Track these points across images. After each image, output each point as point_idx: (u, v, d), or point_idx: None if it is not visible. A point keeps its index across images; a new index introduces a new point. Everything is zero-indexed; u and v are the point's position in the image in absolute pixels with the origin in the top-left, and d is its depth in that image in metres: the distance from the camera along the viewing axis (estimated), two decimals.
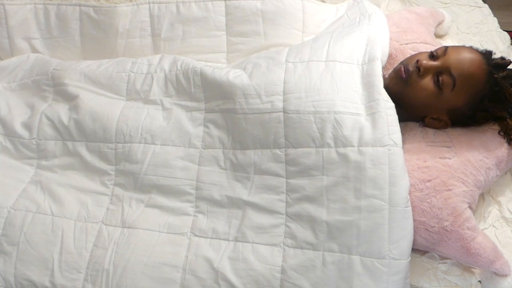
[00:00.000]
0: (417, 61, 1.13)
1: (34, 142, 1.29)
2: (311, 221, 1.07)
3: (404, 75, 1.14)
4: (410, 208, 1.04)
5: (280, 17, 1.47)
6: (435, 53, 1.15)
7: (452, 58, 1.12)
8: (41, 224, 1.17)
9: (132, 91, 1.32)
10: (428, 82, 1.13)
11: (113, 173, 1.23)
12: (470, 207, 1.09)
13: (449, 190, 1.07)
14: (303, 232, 1.08)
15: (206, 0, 1.48)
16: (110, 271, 1.11)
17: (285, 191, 1.12)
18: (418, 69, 1.13)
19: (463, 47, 1.16)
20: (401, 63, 1.18)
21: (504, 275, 1.03)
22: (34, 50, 1.54)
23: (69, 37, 1.52)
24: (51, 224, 1.17)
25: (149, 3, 1.49)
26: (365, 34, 1.24)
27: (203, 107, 1.25)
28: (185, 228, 1.14)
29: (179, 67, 1.30)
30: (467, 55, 1.12)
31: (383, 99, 1.10)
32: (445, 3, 1.61)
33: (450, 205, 1.06)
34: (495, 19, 1.59)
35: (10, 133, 1.31)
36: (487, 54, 1.15)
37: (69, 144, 1.27)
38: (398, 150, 1.06)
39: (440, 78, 1.11)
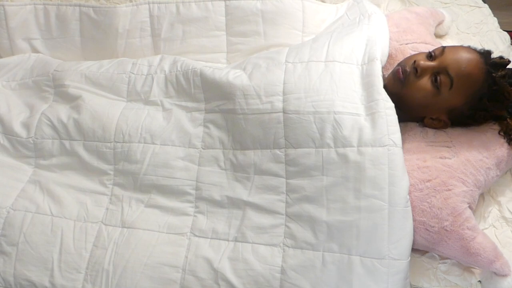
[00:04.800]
0: (414, 61, 1.13)
1: (31, 141, 1.28)
2: (311, 221, 1.07)
3: (401, 76, 1.14)
4: (409, 208, 1.04)
5: (280, 17, 1.47)
6: (432, 54, 1.15)
7: (449, 58, 1.12)
8: (40, 224, 1.17)
9: (132, 92, 1.32)
10: (425, 82, 1.13)
11: (112, 172, 1.23)
12: (470, 207, 1.09)
13: (449, 190, 1.07)
14: (303, 232, 1.07)
15: (206, 0, 1.49)
16: (109, 271, 1.11)
17: (285, 191, 1.12)
18: (416, 70, 1.13)
19: (461, 47, 1.16)
20: (399, 64, 1.18)
21: (504, 275, 1.03)
22: (34, 50, 1.54)
23: (69, 37, 1.52)
24: (51, 224, 1.17)
25: (149, 3, 1.49)
26: (365, 34, 1.24)
27: (203, 107, 1.25)
28: (185, 228, 1.14)
29: (179, 68, 1.30)
30: (464, 55, 1.12)
31: (383, 99, 1.10)
32: (445, 3, 1.61)
33: (450, 205, 1.06)
34: (495, 19, 1.59)
35: (8, 132, 1.30)
36: (485, 54, 1.15)
37: (66, 143, 1.27)
38: (397, 150, 1.05)
39: (438, 78, 1.11)
